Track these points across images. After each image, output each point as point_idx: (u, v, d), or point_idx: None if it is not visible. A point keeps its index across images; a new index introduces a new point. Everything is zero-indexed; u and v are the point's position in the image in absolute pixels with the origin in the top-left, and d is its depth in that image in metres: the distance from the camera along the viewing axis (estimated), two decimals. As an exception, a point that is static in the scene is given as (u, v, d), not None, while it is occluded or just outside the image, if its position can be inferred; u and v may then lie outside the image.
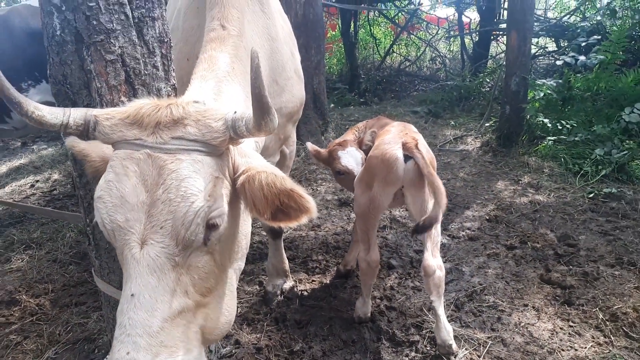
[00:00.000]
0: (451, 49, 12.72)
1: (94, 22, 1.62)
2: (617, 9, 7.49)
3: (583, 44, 6.74)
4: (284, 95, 2.50)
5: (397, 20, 11.79)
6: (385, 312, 3.19)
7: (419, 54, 12.00)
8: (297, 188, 1.37)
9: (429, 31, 12.31)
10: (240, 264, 1.66)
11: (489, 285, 3.43)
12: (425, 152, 2.69)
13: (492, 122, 7.07)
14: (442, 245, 4.05)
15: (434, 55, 11.86)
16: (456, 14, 11.02)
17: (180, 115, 1.36)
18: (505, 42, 10.77)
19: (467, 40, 11.25)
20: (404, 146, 2.65)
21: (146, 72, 1.81)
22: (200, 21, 2.22)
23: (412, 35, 12.11)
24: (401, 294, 3.39)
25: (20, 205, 3.22)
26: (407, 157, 2.64)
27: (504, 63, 8.46)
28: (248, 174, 1.42)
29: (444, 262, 3.75)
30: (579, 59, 6.17)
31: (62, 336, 3.11)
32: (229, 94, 1.75)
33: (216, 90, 1.73)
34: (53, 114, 1.36)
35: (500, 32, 10.27)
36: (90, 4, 1.60)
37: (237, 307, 3.19)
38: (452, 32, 11.80)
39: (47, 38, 1.70)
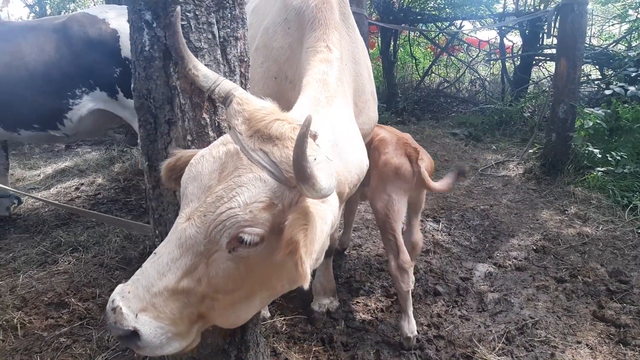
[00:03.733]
0: (491, 72, 12.59)
1: (184, 40, 1.65)
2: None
3: (633, 74, 6.58)
4: (361, 117, 2.52)
5: (437, 41, 11.75)
6: (433, 341, 3.12)
7: (458, 75, 11.92)
8: (304, 257, 1.30)
9: (470, 53, 12.22)
10: (278, 287, 1.62)
11: (540, 319, 3.33)
12: (428, 162, 3.14)
13: (535, 148, 6.93)
14: (489, 274, 3.97)
15: (473, 77, 11.76)
16: (498, 37, 10.93)
17: (277, 134, 1.43)
18: (549, 67, 10.66)
19: (508, 64, 11.13)
20: (409, 158, 3.02)
21: (226, 90, 1.83)
22: (290, 41, 2.28)
23: (452, 57, 12.03)
24: (449, 322, 3.32)
25: (88, 213, 3.31)
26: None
27: (549, 89, 8.34)
28: (296, 216, 1.38)
29: (492, 292, 3.69)
30: (629, 90, 6.02)
31: (110, 342, 3.14)
32: (336, 120, 1.84)
33: (328, 115, 1.81)
34: (206, 78, 1.55)
35: (543, 58, 10.13)
36: (183, 23, 1.64)
37: (282, 324, 3.21)
38: (493, 55, 11.69)
39: (135, 53, 1.74)
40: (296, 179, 1.27)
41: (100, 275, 4.01)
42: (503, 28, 10.40)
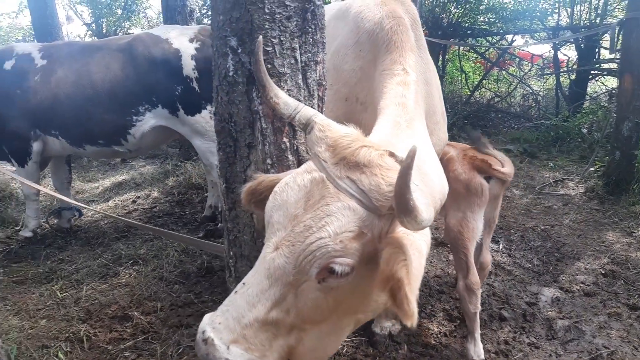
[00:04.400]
0: (545, 87, 12.20)
1: (268, 66, 1.67)
2: None
3: None
4: (432, 139, 2.48)
5: (487, 55, 11.52)
6: (503, 369, 3.00)
7: (509, 90, 11.61)
8: (409, 295, 1.28)
9: (521, 67, 11.90)
10: (361, 317, 1.60)
11: (616, 349, 3.14)
12: (509, 168, 3.01)
13: (597, 166, 6.63)
14: (556, 299, 3.79)
15: (525, 92, 11.43)
16: (551, 51, 10.59)
17: (365, 161, 1.40)
18: (606, 82, 10.24)
19: (562, 78, 10.76)
20: (480, 170, 2.93)
21: (305, 114, 1.83)
22: (362, 63, 2.27)
23: (503, 71, 11.75)
24: (517, 349, 3.18)
25: (161, 232, 3.40)
26: (487, 178, 2.93)
27: (609, 105, 7.98)
28: (393, 250, 1.36)
29: (561, 318, 3.51)
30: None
31: (174, 357, 3.17)
32: (418, 144, 1.77)
33: (410, 140, 1.77)
34: (286, 105, 1.54)
35: (600, 72, 9.73)
36: (267, 49, 1.64)
37: (344, 345, 3.16)
38: (546, 70, 11.33)
39: (218, 78, 1.77)
40: (398, 211, 1.24)
41: (160, 289, 4.08)
42: (557, 41, 10.08)
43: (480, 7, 10.63)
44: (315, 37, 1.76)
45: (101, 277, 4.36)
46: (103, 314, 3.69)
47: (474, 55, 12.15)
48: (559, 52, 10.52)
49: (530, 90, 11.18)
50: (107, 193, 6.76)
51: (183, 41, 4.53)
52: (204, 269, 4.36)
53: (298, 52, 1.72)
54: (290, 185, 1.47)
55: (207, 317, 1.43)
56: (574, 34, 8.61)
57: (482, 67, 12.20)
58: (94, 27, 11.43)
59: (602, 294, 3.86)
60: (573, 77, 10.19)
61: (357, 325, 1.62)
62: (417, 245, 1.43)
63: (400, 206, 1.22)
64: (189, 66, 4.47)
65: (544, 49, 11.57)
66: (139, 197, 6.52)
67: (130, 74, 4.43)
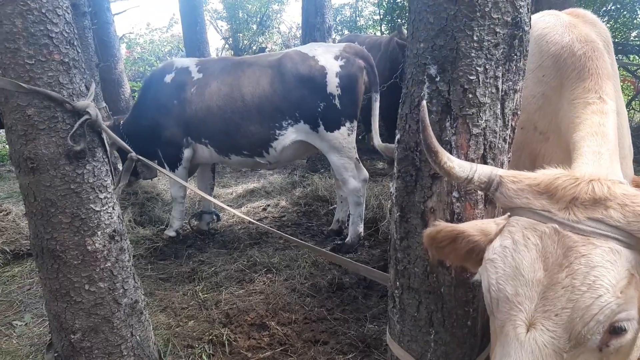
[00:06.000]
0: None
1: (470, 95, 1.57)
2: None
3: None
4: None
5: (638, 73, 10.32)
6: None
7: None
8: None
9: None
10: None
11: None
12: None
13: None
14: None
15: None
16: None
17: (604, 195, 1.23)
18: None
19: None
20: None
21: (498, 146, 1.71)
22: (544, 90, 2.10)
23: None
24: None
25: (321, 252, 3.47)
26: None
27: None
28: None
29: None
30: None
31: (315, 376, 3.18)
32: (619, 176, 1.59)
33: (613, 172, 1.58)
34: (461, 168, 1.44)
35: None
36: (471, 77, 1.55)
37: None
38: None
39: (410, 106, 1.71)
40: None
41: (293, 300, 4.14)
42: None
43: (635, 22, 9.58)
44: (518, 65, 1.63)
45: (238, 281, 4.55)
46: (242, 320, 3.82)
47: (624, 73, 10.97)
48: None
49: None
50: (239, 199, 7.12)
51: (329, 58, 4.61)
52: (335, 284, 4.36)
53: (500, 80, 1.60)
54: (509, 250, 1.29)
55: None
56: None
57: (633, 87, 10.95)
58: (231, 41, 12.28)
59: None
60: None
61: None
62: None
63: None
64: (333, 83, 4.54)
65: None
66: (269, 205, 6.78)
67: (278, 89, 4.61)
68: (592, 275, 1.15)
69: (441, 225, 1.56)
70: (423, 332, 1.95)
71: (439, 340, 1.93)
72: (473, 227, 1.52)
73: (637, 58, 10.23)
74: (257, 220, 6.24)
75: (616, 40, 10.02)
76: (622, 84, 11.57)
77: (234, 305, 4.08)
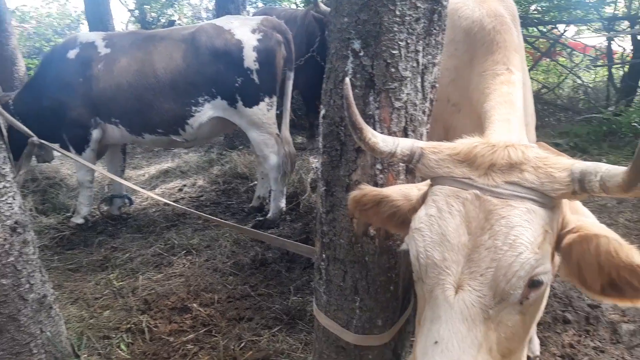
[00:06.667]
0: (595, 79, 11.78)
1: (392, 70, 1.60)
2: None
3: None
4: None
5: (537, 45, 11.16)
6: (572, 375, 2.93)
7: (559, 81, 11.24)
8: None
9: (572, 58, 11.50)
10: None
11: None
12: None
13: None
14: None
15: (575, 84, 11.05)
16: (605, 42, 10.21)
17: (519, 159, 1.30)
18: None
19: (614, 70, 10.37)
20: None
21: (418, 118, 1.77)
22: (457, 63, 2.19)
23: (553, 62, 11.36)
24: (583, 353, 3.11)
25: (241, 228, 3.38)
26: None
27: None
28: (581, 235, 1.29)
29: (625, 322, 3.41)
30: None
31: (237, 352, 3.16)
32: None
33: (523, 138, 1.69)
34: (385, 143, 1.45)
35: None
36: (393, 52, 1.58)
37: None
38: (599, 62, 10.93)
39: (334, 81, 1.71)
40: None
41: (215, 280, 4.09)
42: (612, 32, 9.70)
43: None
44: (437, 39, 1.69)
45: (155, 266, 4.40)
46: (162, 305, 3.71)
47: (524, 45, 11.80)
48: (613, 42, 10.13)
49: (581, 82, 10.80)
50: (153, 180, 6.82)
51: (245, 32, 4.50)
52: (257, 261, 4.35)
53: (421, 54, 1.65)
54: (434, 217, 1.33)
55: None
56: (631, 25, 8.23)
57: (531, 58, 11.82)
58: (138, 14, 11.51)
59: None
60: (627, 69, 9.81)
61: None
62: (601, 226, 1.34)
63: None
64: (250, 58, 4.44)
65: (598, 40, 11.17)
66: (185, 185, 6.56)
67: (192, 64, 4.44)
68: (512, 235, 1.22)
69: (366, 189, 1.60)
70: (349, 301, 2.01)
71: (363, 306, 2.00)
72: (396, 192, 1.58)
73: (536, 30, 11.00)
74: (174, 202, 6.03)
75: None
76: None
77: (153, 291, 3.94)
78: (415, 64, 1.64)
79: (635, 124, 8.05)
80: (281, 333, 3.34)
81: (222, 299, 3.80)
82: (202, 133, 4.72)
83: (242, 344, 3.24)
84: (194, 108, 4.51)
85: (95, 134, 4.72)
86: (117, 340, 3.30)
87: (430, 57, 1.70)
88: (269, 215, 5.13)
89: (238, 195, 6.18)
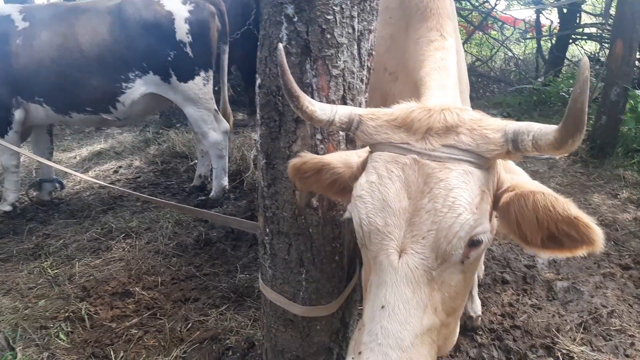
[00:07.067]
0: (525, 51, 12.27)
1: (328, 36, 1.56)
2: None
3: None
4: None
5: (470, 19, 11.45)
6: (510, 331, 3.09)
7: (491, 53, 11.62)
8: (583, 216, 1.25)
9: (503, 31, 11.90)
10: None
11: (614, 307, 3.29)
12: None
13: (581, 132, 6.80)
14: (553, 261, 3.92)
15: (506, 56, 11.47)
16: (534, 15, 10.62)
17: (455, 122, 1.32)
18: (585, 46, 10.33)
19: (543, 42, 10.84)
20: None
21: (356, 87, 1.75)
22: (392, 31, 2.18)
23: (486, 35, 11.72)
24: (522, 311, 3.29)
25: (181, 207, 3.21)
26: None
27: (593, 70, 8.09)
28: (518, 192, 1.33)
29: (560, 280, 3.63)
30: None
31: (184, 333, 3.10)
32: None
33: (457, 101, 1.70)
34: (323, 110, 1.42)
35: (581, 37, 9.84)
36: (328, 17, 1.53)
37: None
38: (529, 34, 11.37)
39: (268, 48, 1.65)
40: (574, 131, 1.12)
41: (157, 262, 3.97)
42: (539, 5, 10.09)
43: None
44: (372, 5, 1.66)
45: (93, 252, 4.22)
46: (102, 291, 3.58)
47: (457, 18, 12.08)
48: (541, 15, 10.55)
49: (512, 54, 11.22)
50: (85, 163, 6.48)
51: (176, 3, 4.29)
52: (202, 240, 4.27)
53: (356, 20, 1.61)
54: (375, 184, 1.33)
55: None
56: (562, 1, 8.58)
57: (465, 31, 12.15)
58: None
59: (595, 255, 4.00)
60: (554, 41, 10.29)
61: None
62: (535, 183, 1.38)
63: (577, 124, 1.10)
64: (182, 30, 4.24)
65: (527, 13, 11.61)
66: (120, 167, 6.28)
67: (120, 38, 4.18)
68: (451, 197, 1.24)
69: (306, 156, 1.57)
70: (294, 273, 2.00)
71: (310, 278, 1.99)
72: (337, 159, 1.57)
73: (469, 4, 11.26)
74: (110, 184, 5.76)
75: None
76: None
77: (91, 277, 3.79)
78: (351, 30, 1.61)
79: (563, 94, 8.50)
80: (229, 311, 3.31)
81: (166, 281, 3.71)
82: (135, 111, 4.49)
83: (189, 325, 3.19)
84: (124, 84, 4.27)
85: (18, 114, 4.38)
86: (56, 330, 3.15)
87: (365, 23, 1.67)
88: (211, 194, 5.01)
89: (178, 175, 6.00)
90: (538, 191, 1.30)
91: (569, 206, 1.26)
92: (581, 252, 1.28)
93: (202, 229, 4.45)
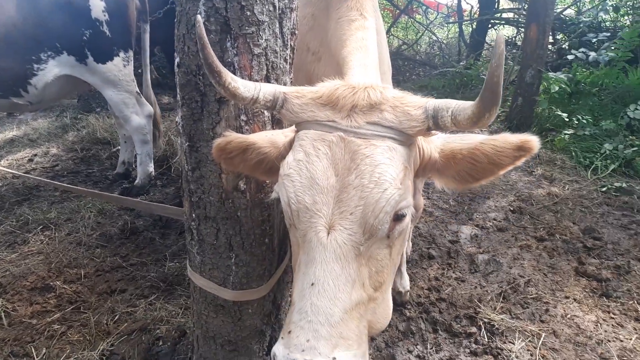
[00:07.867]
0: (448, 35, 12.69)
1: (248, 13, 1.52)
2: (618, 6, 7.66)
3: (594, 40, 6.88)
4: None
5: (396, 2, 11.66)
6: (436, 303, 3.24)
7: (417, 37, 11.93)
8: (522, 137, 1.32)
9: (428, 16, 12.24)
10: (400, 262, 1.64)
11: (530, 277, 3.53)
12: None
13: (499, 111, 7.18)
14: (475, 236, 4.13)
15: (431, 40, 11.82)
16: (455, 0, 11.01)
17: (378, 99, 1.34)
18: (503, 30, 10.85)
19: (464, 26, 11.26)
20: None
21: (280, 67, 1.72)
22: (313, 11, 2.16)
23: (412, 19, 11.99)
24: (447, 284, 3.45)
25: (106, 196, 3.01)
26: None
27: (509, 53, 8.53)
28: (464, 153, 1.39)
29: (481, 253, 3.84)
30: (590, 55, 6.30)
31: (110, 326, 2.99)
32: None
33: (378, 80, 1.72)
34: (246, 88, 1.38)
35: (499, 21, 10.33)
36: (247, -7, 1.49)
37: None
38: (451, 19, 11.77)
39: (186, 25, 1.58)
40: (490, 105, 1.15)
41: (80, 254, 3.78)
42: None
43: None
44: (293, -18, 1.63)
45: (7, 245, 3.94)
46: (20, 286, 3.36)
47: (384, 2, 12.26)
48: (462, 1, 10.95)
49: (436, 38, 11.59)
50: (-4, 151, 5.99)
51: (91, -22, 3.99)
52: (127, 230, 4.10)
53: (277, -3, 1.58)
54: (302, 162, 1.33)
55: (280, 348, 1.23)
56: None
57: (391, 15, 12.36)
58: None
59: (512, 229, 4.27)
60: (474, 25, 10.73)
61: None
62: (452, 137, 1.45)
63: (493, 98, 1.13)
64: (98, 7, 3.98)
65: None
66: (36, 155, 5.87)
67: (29, 16, 3.84)
68: (377, 173, 1.26)
69: (231, 136, 1.53)
70: (224, 258, 1.97)
71: (239, 262, 1.97)
72: (263, 139, 1.55)
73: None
74: (25, 173, 5.37)
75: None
76: (382, 12, 12.98)
77: (7, 272, 3.54)
78: (272, 8, 1.58)
79: (483, 76, 8.91)
80: (159, 301, 3.21)
81: (90, 274, 3.53)
82: (49, 94, 4.18)
83: (116, 317, 3.07)
84: (35, 66, 3.96)
85: None
86: (-31, 331, 2.92)
87: (287, 1, 1.64)
88: (136, 181, 4.81)
89: (100, 163, 5.70)
90: (479, 144, 1.37)
91: (508, 138, 1.34)
92: (520, 161, 1.36)
93: (127, 218, 4.27)
